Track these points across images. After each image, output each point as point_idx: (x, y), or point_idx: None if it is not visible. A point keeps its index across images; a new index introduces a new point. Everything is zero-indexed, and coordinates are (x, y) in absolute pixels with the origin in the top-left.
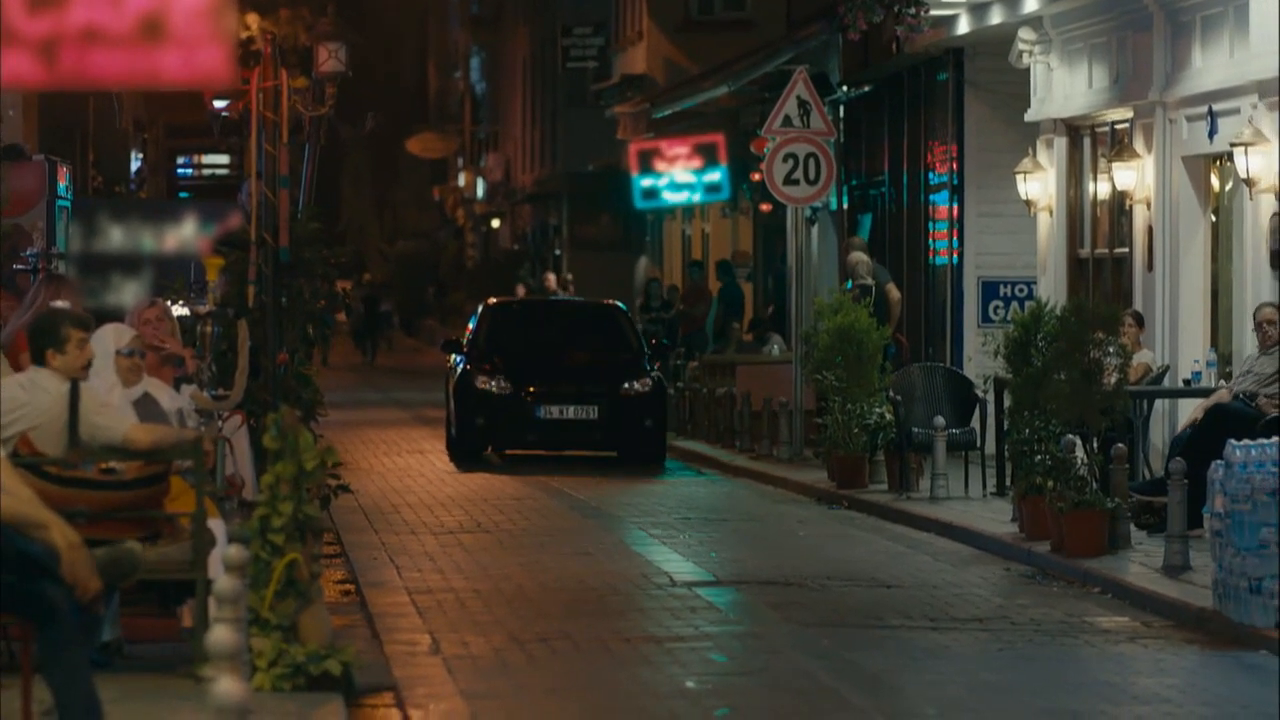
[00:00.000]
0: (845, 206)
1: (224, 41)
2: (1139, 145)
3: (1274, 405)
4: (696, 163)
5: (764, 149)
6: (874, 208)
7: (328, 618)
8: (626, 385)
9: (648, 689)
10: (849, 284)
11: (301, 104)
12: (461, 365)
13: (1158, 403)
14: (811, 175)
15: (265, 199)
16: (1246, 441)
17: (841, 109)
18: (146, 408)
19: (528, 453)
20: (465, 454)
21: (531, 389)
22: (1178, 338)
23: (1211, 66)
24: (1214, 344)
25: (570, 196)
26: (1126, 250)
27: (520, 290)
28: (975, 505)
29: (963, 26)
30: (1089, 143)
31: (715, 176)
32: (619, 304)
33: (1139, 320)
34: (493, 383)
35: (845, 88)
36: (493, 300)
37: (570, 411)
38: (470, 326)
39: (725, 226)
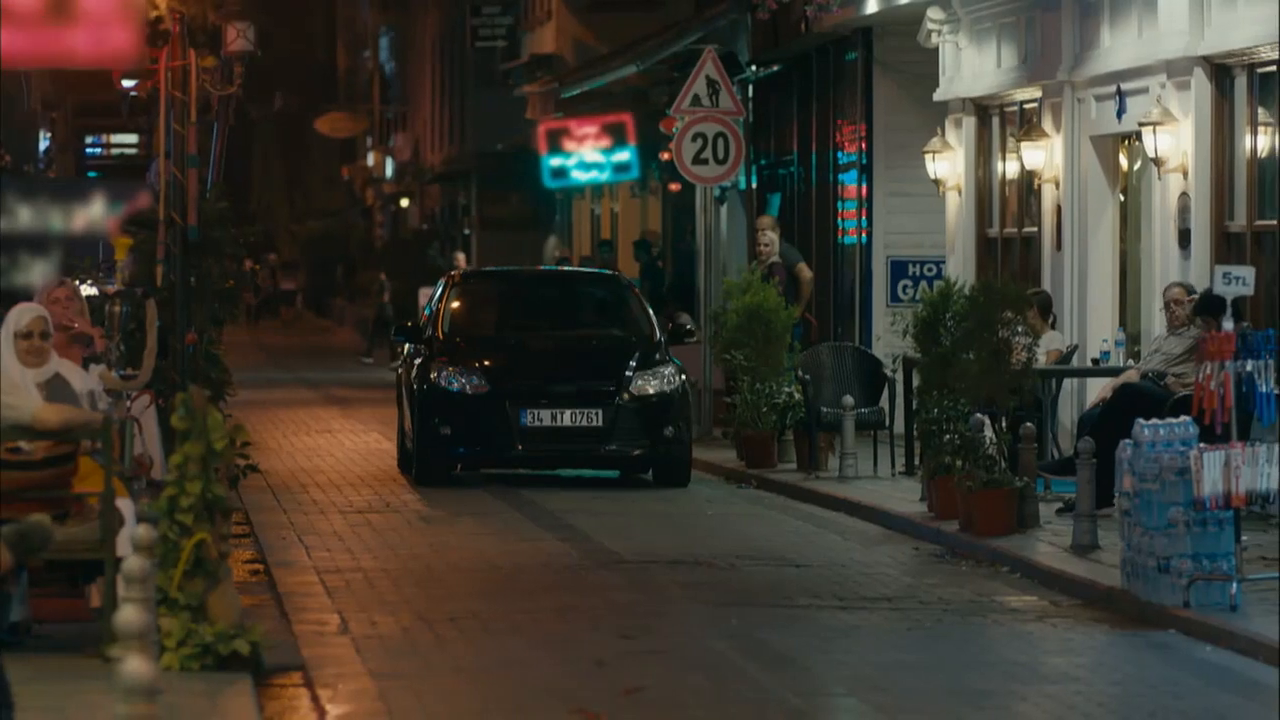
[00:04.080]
0: (754, 186)
1: (132, 21)
2: (1047, 125)
3: (1182, 385)
4: (605, 142)
5: (673, 128)
6: (783, 187)
7: (236, 597)
8: (640, 381)
9: (558, 667)
10: (754, 264)
11: (210, 83)
12: (419, 358)
13: (1066, 382)
14: (720, 155)
15: (174, 178)
16: (1155, 421)
17: (750, 88)
18: (57, 389)
19: (510, 472)
20: (428, 474)
21: (513, 389)
22: (1086, 317)
23: (1120, 46)
24: (1122, 323)
25: (479, 176)
26: (1035, 230)
27: (382, 277)
28: (884, 484)
29: (871, 6)
30: (998, 122)
31: (624, 156)
32: (621, 275)
33: (1045, 307)
34: (462, 380)
35: (754, 67)
36: (458, 271)
37: (566, 417)
38: (425, 313)
39: (634, 206)
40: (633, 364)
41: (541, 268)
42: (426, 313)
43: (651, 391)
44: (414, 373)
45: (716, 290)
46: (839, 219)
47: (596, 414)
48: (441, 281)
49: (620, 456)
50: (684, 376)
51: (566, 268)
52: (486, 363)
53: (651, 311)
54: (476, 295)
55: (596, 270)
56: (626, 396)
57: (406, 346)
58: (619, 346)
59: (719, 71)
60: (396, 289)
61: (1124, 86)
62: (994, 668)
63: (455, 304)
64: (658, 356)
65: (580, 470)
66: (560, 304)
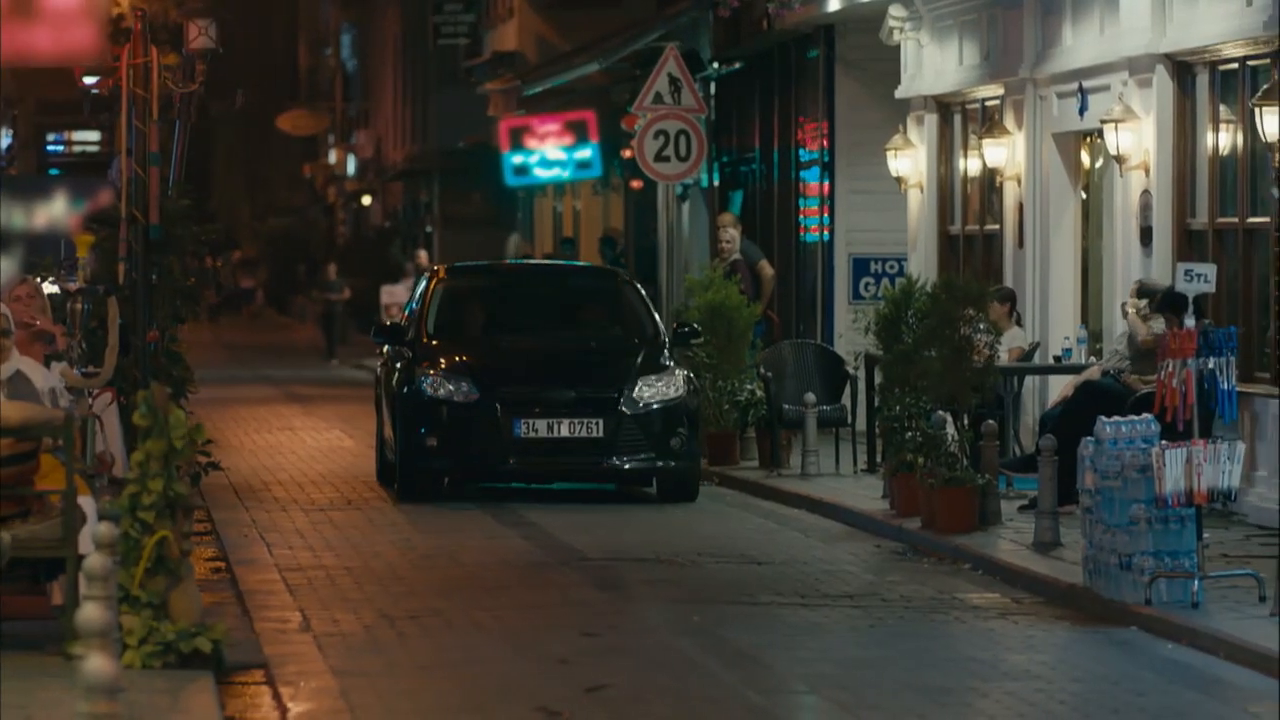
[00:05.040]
0: (716, 183)
1: (94, 18)
2: (1009, 122)
3: (1143, 382)
4: (567, 140)
5: (635, 126)
6: (745, 185)
7: (198, 595)
8: (644, 387)
9: (521, 665)
10: (716, 261)
11: (172, 81)
12: (400, 361)
13: (1028, 379)
14: (682, 152)
15: (136, 176)
16: (1117, 418)
17: (713, 86)
18: (19, 386)
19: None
20: (412, 489)
21: (506, 396)
22: (1048, 314)
23: (1082, 44)
24: (1084, 321)
25: (441, 174)
26: (997, 227)
27: (333, 274)
28: (846, 482)
29: (833, 3)
30: (959, 120)
31: (586, 154)
32: (621, 271)
33: (1001, 297)
34: (449, 387)
35: (716, 65)
36: (443, 267)
37: (563, 428)
38: (405, 312)
39: (596, 204)
40: (636, 368)
41: (534, 262)
42: (407, 312)
43: (657, 398)
44: (396, 378)
45: (678, 287)
46: (801, 216)
47: (597, 424)
48: (425, 277)
49: (622, 470)
50: (692, 381)
51: (562, 262)
52: (476, 367)
53: (655, 311)
54: (464, 292)
55: (595, 266)
56: (630, 404)
57: (385, 348)
58: (621, 349)
59: (681, 69)
60: (356, 287)
61: (1086, 84)
62: (956, 665)
63: (440, 302)
64: (663, 360)
65: (578, 484)
66: (556, 302)
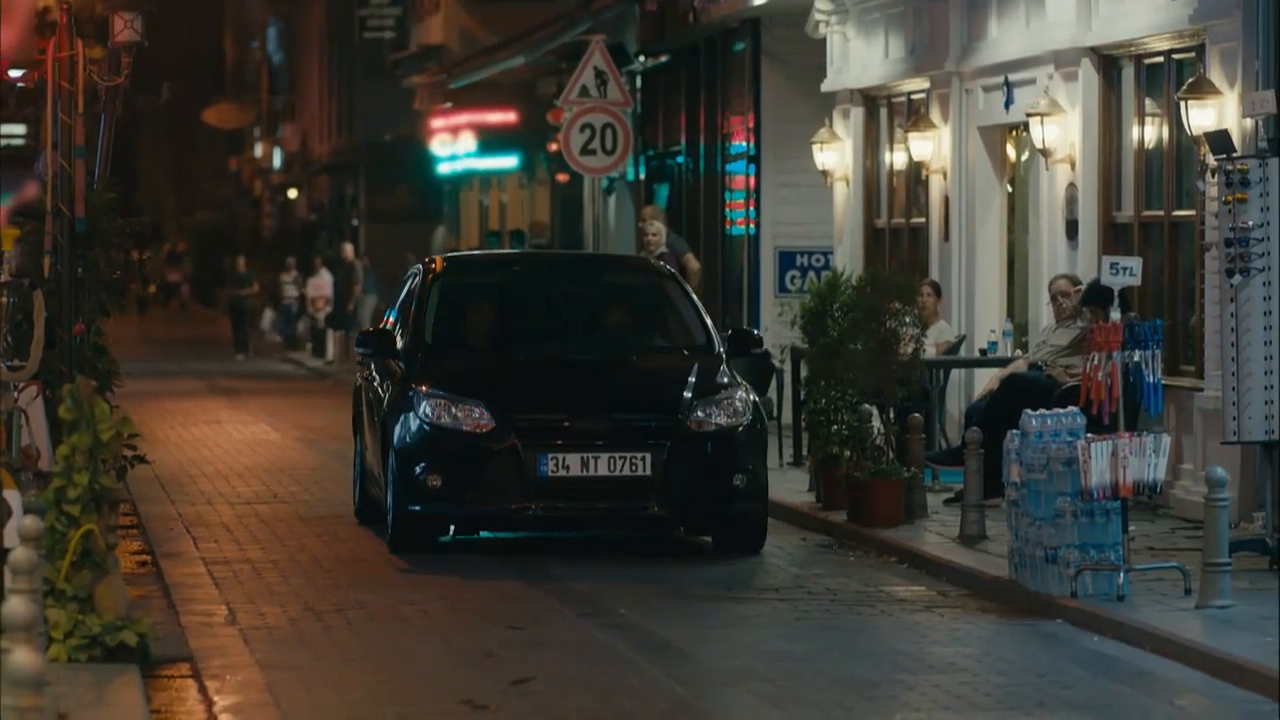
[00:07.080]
0: (642, 177)
1: (19, 12)
2: (935, 115)
3: (1069, 375)
4: (493, 133)
5: (561, 119)
6: (671, 178)
7: (124, 589)
8: (701, 413)
9: (446, 659)
10: (642, 254)
11: (98, 74)
12: (390, 377)
13: (954, 372)
14: (609, 145)
15: (61, 169)
16: (1042, 411)
17: (639, 79)
18: None
19: (525, 535)
20: (409, 539)
21: (529, 425)
22: (974, 308)
23: (1008, 37)
24: (1010, 314)
25: (367, 167)
26: (923, 220)
27: (242, 268)
28: (772, 475)
29: None
30: (885, 113)
31: (512, 147)
32: (660, 264)
33: (936, 290)
34: (458, 413)
35: (642, 58)
36: (441, 259)
37: (600, 465)
38: (390, 318)
39: (522, 197)
40: (689, 389)
41: (556, 252)
42: (391, 316)
43: (716, 426)
44: (387, 398)
45: None
46: (727, 209)
47: (642, 459)
48: (418, 269)
49: (674, 516)
50: (757, 404)
51: (591, 254)
52: (490, 388)
53: (707, 315)
54: (469, 291)
55: (631, 257)
56: (683, 433)
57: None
58: (670, 365)
59: (607, 62)
60: (274, 281)
61: (1011, 77)
62: (881, 658)
63: (440, 304)
64: (721, 377)
65: (617, 532)
66: (585, 304)
